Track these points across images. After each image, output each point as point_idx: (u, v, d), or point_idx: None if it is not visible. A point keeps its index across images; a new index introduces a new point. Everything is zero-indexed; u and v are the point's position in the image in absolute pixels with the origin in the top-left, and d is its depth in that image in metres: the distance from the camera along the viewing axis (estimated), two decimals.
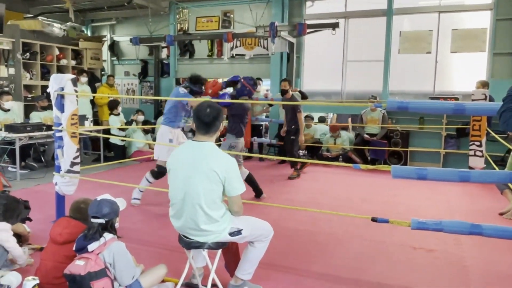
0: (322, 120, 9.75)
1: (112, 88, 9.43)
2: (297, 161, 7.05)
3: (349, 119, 9.86)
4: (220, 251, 2.76)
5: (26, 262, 3.10)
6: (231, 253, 2.99)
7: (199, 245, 2.65)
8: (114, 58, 11.56)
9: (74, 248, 2.62)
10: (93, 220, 2.61)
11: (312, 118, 9.08)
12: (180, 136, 5.24)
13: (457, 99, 7.59)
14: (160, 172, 5.08)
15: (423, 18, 8.51)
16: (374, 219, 3.13)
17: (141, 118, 8.60)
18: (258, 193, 5.57)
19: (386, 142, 8.09)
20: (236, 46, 9.55)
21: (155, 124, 9.33)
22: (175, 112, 5.13)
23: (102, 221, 2.60)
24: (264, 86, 9.38)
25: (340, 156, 8.39)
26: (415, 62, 8.57)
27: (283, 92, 7.00)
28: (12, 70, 8.54)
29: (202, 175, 2.53)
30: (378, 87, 8.79)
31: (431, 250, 3.94)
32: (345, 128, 9.14)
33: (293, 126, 6.95)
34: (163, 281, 2.95)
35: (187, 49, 10.53)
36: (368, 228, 4.45)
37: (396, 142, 8.19)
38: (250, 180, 5.42)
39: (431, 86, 8.52)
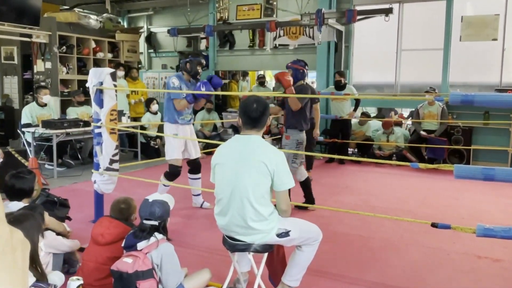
0: (381, 116, 9.56)
1: (136, 82, 9.53)
2: None
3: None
4: (266, 255, 2.80)
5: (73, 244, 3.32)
6: (277, 260, 3.00)
7: (244, 248, 2.70)
8: (151, 51, 11.85)
9: (122, 245, 2.76)
10: (145, 222, 2.73)
11: (369, 116, 8.94)
12: (186, 130, 5.07)
13: None
14: (173, 173, 4.95)
15: (489, 0, 8.20)
16: (434, 225, 3.08)
17: None
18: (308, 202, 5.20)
19: (446, 139, 7.86)
20: (280, 36, 9.58)
21: (194, 120, 9.48)
22: (169, 106, 4.93)
23: (155, 223, 2.73)
24: (310, 79, 9.34)
25: (394, 155, 8.24)
26: (479, 50, 8.27)
27: None
28: (48, 64, 8.89)
29: (251, 168, 2.60)
30: (437, 79, 8.54)
31: (498, 260, 3.83)
32: (400, 124, 8.95)
33: None
34: (207, 285, 3.03)
35: (227, 40, 10.63)
36: (426, 234, 4.37)
37: (457, 140, 7.94)
38: (306, 185, 5.21)
39: (497, 77, 8.19)
